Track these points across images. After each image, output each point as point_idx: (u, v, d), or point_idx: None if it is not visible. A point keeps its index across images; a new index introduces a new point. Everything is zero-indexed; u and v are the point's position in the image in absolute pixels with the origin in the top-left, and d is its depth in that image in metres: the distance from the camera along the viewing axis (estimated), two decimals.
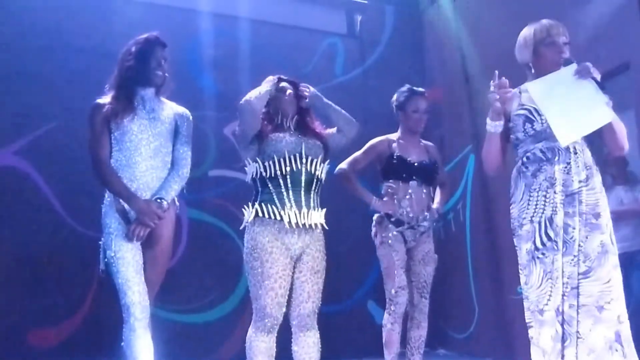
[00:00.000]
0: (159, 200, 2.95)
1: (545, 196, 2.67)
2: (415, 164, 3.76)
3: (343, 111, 3.21)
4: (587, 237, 2.63)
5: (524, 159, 2.74)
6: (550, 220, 2.64)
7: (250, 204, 3.05)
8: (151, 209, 2.90)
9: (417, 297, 3.75)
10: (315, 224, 3.05)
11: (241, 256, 3.03)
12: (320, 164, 3.11)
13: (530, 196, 2.70)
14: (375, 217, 3.81)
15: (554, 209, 2.64)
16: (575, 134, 2.63)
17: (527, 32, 2.82)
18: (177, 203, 3.13)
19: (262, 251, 2.95)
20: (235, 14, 5.57)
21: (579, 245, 2.62)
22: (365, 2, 6.07)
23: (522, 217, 2.70)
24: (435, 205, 3.83)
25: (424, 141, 3.94)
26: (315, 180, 3.08)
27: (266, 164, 3.03)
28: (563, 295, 2.61)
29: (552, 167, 2.68)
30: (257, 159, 3.05)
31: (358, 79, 6.09)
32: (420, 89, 3.88)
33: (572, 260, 2.61)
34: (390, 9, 6.17)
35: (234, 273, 5.01)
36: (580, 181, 2.67)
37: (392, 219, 3.71)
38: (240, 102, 3.04)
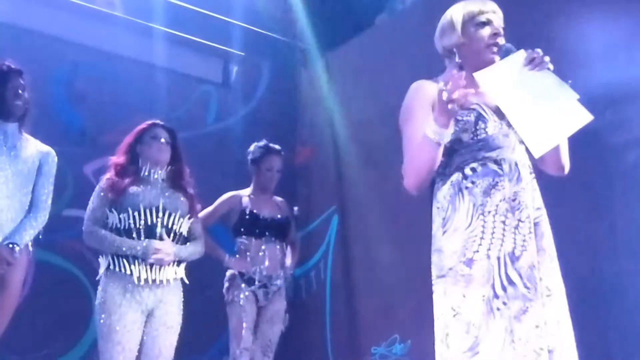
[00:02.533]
0: (10, 245, 2.73)
1: (504, 222, 2.00)
2: (268, 220, 3.76)
3: (195, 252, 3.23)
4: (558, 285, 2.03)
5: (467, 171, 2.06)
6: (513, 257, 1.96)
7: (104, 255, 2.94)
8: (1, 255, 2.69)
9: (260, 356, 3.70)
10: (168, 280, 2.98)
11: (90, 306, 2.89)
12: (179, 218, 3.05)
13: (484, 221, 1.99)
14: (228, 273, 3.74)
15: (518, 241, 1.98)
16: (550, 142, 2.03)
17: (454, 9, 2.24)
18: (31, 248, 2.92)
19: (111, 304, 2.86)
20: (106, 48, 5.33)
21: (548, 295, 1.99)
22: (243, 54, 6.07)
23: (473, 249, 1.97)
24: (287, 265, 3.83)
25: (275, 197, 3.96)
26: (173, 234, 3.01)
27: (121, 216, 2.95)
28: None
29: (511, 184, 2.04)
30: (113, 209, 2.95)
31: (229, 130, 6.01)
32: (276, 147, 3.92)
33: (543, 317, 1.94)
34: (267, 64, 6.21)
35: (80, 323, 4.62)
36: (538, 208, 2.10)
37: (245, 277, 3.65)
38: (89, 233, 3.02)
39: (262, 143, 3.96)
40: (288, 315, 3.87)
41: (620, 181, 3.51)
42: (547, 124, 2.02)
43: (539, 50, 2.08)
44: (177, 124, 4.30)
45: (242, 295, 3.65)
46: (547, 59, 2.06)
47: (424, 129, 2.02)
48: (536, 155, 2.06)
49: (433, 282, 2.06)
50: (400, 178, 2.21)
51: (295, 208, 5.32)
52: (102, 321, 2.85)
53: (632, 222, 3.40)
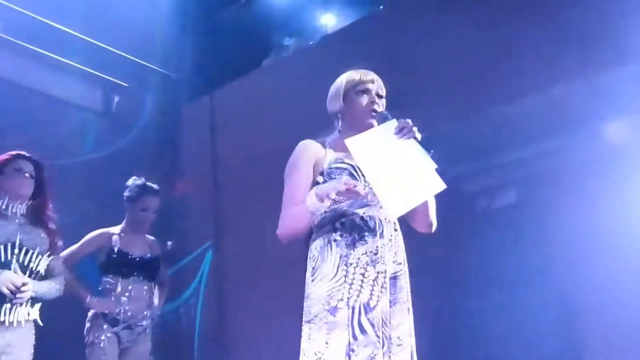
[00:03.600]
0: None
1: (363, 275, 2.20)
2: (137, 259, 3.71)
3: (52, 290, 3.07)
4: (409, 336, 2.24)
5: (337, 225, 2.28)
6: (368, 307, 2.17)
7: None
8: None
9: None
10: (19, 321, 2.83)
11: None
12: (37, 256, 2.92)
13: (347, 272, 2.20)
14: (90, 313, 3.63)
15: (374, 293, 2.18)
16: (405, 206, 2.22)
17: (339, 79, 2.49)
18: None
19: None
20: None
21: (399, 345, 2.19)
22: (126, 85, 5.99)
23: (338, 298, 2.17)
24: (155, 305, 3.79)
25: (147, 235, 3.92)
26: (29, 272, 2.88)
27: None
28: None
29: (374, 239, 2.25)
30: None
31: (106, 160, 5.87)
32: (154, 186, 3.86)
33: None
34: (150, 97, 6.15)
35: None
36: (399, 263, 2.30)
37: (108, 318, 3.57)
38: None
39: (139, 181, 3.86)
40: (153, 357, 3.80)
41: (473, 225, 3.81)
42: (404, 190, 2.21)
43: (409, 120, 2.30)
44: (52, 150, 4.17)
45: (103, 337, 3.55)
46: (415, 129, 2.28)
47: (306, 197, 2.25)
48: (392, 218, 2.30)
49: (302, 326, 2.23)
50: (277, 218, 2.38)
51: (169, 243, 5.27)
52: None
53: (483, 263, 3.69)
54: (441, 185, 2.26)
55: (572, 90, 3.47)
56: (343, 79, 2.48)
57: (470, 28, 3.96)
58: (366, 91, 2.42)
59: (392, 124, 2.31)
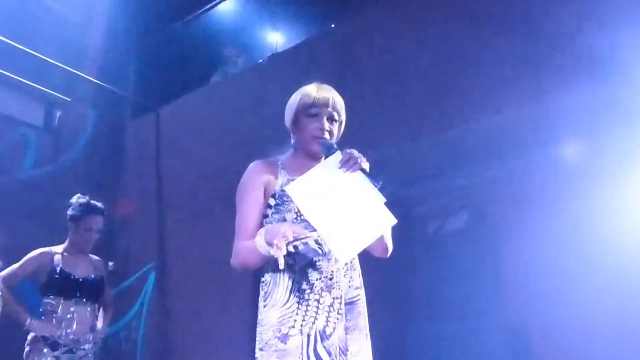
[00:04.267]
0: None
1: (318, 301, 2.10)
2: (81, 280, 3.58)
3: None
4: None
5: (290, 249, 2.08)
6: (324, 334, 2.08)
7: None
8: None
9: None
10: None
11: None
12: None
13: (300, 298, 2.10)
14: (29, 336, 3.48)
15: (330, 319, 2.10)
16: (356, 248, 2.09)
17: (296, 94, 2.30)
18: None
19: None
20: None
21: None
22: (69, 99, 5.83)
23: (289, 325, 2.06)
24: (99, 328, 3.66)
25: (91, 255, 3.79)
26: None
27: None
28: None
29: (329, 264, 2.14)
30: None
31: (47, 177, 5.70)
32: (99, 205, 3.73)
33: None
34: (93, 112, 6.01)
35: None
36: (356, 287, 2.21)
37: (49, 341, 3.43)
38: None
39: (83, 200, 3.71)
40: None
41: (423, 249, 3.80)
42: (352, 231, 2.07)
43: (353, 150, 2.14)
44: None
45: None
46: (360, 159, 2.12)
47: (256, 226, 2.13)
48: (342, 261, 2.14)
49: (255, 354, 2.10)
50: (224, 238, 2.28)
51: (111, 263, 5.10)
52: None
53: (434, 287, 3.67)
54: (392, 220, 2.11)
55: (524, 114, 3.50)
56: (298, 96, 2.27)
57: (422, 50, 3.98)
58: (317, 115, 2.21)
59: (336, 156, 2.15)
